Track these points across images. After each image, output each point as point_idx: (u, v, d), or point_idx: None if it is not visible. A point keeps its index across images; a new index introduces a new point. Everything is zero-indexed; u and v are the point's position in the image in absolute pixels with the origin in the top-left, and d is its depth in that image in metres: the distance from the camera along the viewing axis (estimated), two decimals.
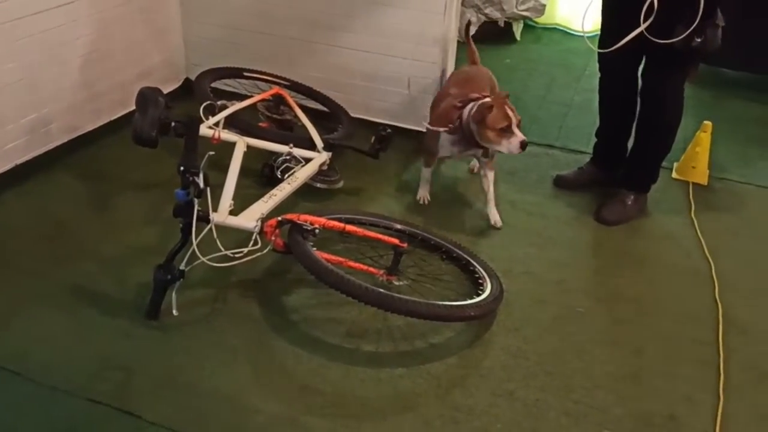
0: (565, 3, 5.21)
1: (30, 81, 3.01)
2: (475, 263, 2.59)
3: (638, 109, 2.98)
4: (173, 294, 2.31)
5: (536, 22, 5.27)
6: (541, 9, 5.03)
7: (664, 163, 3.08)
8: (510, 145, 2.68)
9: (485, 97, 2.83)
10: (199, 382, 2.12)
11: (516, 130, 2.68)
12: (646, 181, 3.10)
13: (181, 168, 2.20)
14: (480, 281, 2.51)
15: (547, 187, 3.25)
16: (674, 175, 3.41)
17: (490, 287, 2.45)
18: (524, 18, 5.12)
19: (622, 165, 3.17)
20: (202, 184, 2.20)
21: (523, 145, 2.68)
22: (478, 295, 2.42)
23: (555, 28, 5.31)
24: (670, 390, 2.16)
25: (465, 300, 2.36)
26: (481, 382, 2.18)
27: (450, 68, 3.49)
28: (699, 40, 2.54)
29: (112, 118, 3.47)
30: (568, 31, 5.26)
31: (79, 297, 2.42)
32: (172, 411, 2.01)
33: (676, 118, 2.94)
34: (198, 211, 2.27)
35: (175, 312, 2.31)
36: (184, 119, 2.31)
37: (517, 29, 5.17)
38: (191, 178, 2.19)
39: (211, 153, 2.27)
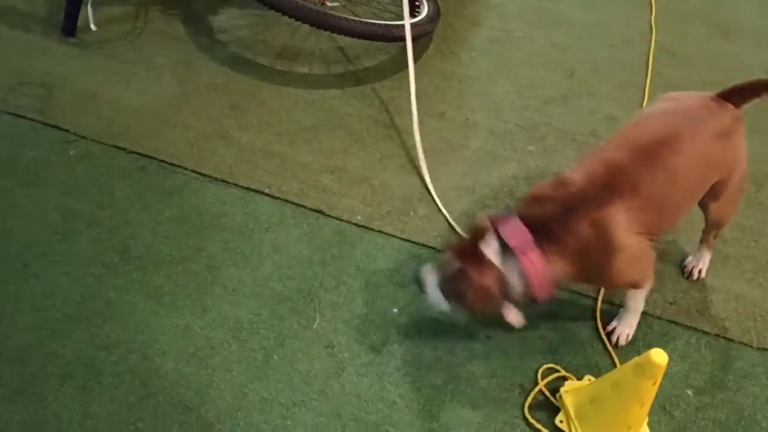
0: None
1: None
2: None
3: None
4: (89, 7, 2.16)
5: None
6: None
7: None
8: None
9: None
10: (125, 99, 2.06)
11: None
12: None
13: None
14: (417, 3, 2.41)
15: None
16: None
17: (427, 9, 2.36)
18: None
19: None
20: None
21: None
22: (415, 17, 2.34)
23: None
24: (595, 110, 2.21)
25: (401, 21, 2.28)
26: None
27: None
28: None
29: None
30: None
31: None
32: (100, 125, 1.97)
33: None
34: None
35: (93, 27, 2.18)
36: None
37: None
38: None
39: None
